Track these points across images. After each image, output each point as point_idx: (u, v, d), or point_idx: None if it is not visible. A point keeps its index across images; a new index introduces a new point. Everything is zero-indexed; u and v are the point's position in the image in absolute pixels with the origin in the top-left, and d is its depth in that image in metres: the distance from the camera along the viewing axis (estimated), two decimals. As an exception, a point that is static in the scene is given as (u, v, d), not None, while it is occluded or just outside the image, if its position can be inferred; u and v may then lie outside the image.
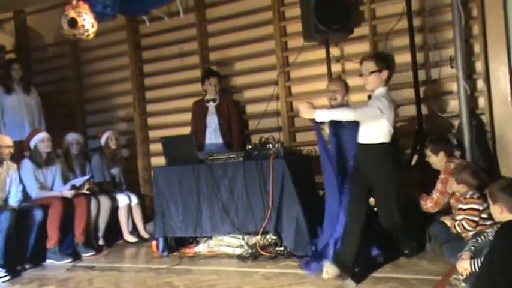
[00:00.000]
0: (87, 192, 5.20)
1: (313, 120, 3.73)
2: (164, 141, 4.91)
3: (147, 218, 5.63)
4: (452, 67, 4.71)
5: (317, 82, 5.48)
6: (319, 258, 3.84)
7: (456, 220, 3.69)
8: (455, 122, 4.83)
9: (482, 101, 4.84)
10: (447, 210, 4.03)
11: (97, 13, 5.29)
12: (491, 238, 2.97)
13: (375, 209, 3.98)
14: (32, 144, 5.22)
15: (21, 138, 5.68)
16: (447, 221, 3.84)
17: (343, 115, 3.70)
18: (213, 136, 5.55)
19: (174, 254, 4.72)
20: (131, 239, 5.48)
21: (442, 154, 4.17)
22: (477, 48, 4.83)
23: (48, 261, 4.87)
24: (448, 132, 4.87)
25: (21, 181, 5.02)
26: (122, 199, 5.54)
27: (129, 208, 5.55)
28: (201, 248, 4.68)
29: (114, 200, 5.48)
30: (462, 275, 3.00)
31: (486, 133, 4.72)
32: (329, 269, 3.56)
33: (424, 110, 4.97)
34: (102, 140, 5.78)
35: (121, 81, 6.78)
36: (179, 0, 5.96)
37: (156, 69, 6.56)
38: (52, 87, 7.11)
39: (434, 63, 5.02)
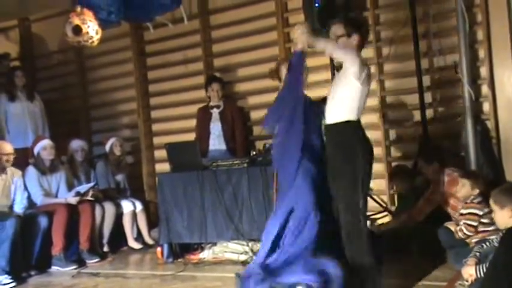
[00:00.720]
0: (91, 198, 5.21)
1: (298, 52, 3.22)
2: (168, 147, 4.92)
3: (151, 224, 5.62)
4: (456, 72, 4.70)
5: (321, 88, 5.46)
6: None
7: (458, 225, 3.68)
8: (460, 128, 4.82)
9: (487, 106, 4.83)
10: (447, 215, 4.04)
11: (101, 20, 5.31)
12: (496, 244, 2.96)
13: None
14: (35, 151, 5.23)
15: (25, 145, 5.69)
16: (451, 226, 3.83)
17: (333, 50, 3.16)
18: (216, 142, 5.56)
19: (179, 260, 4.72)
20: (136, 245, 5.47)
21: (435, 164, 4.15)
22: (482, 53, 4.82)
23: (53, 268, 4.88)
24: (453, 138, 4.86)
25: (26, 188, 5.04)
26: (127, 205, 5.54)
27: (134, 214, 5.56)
28: (206, 254, 4.67)
29: (118, 207, 5.49)
30: (467, 281, 2.99)
31: (491, 138, 4.71)
32: None
33: (429, 116, 4.96)
34: (107, 147, 5.80)
35: (125, 88, 6.80)
36: (183, 6, 5.98)
37: (160, 75, 6.57)
38: (57, 94, 7.14)
39: (439, 69, 5.01)
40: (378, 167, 5.36)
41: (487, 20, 4.71)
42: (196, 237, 4.65)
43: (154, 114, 6.69)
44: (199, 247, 4.79)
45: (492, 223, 3.33)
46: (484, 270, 2.85)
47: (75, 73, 7.10)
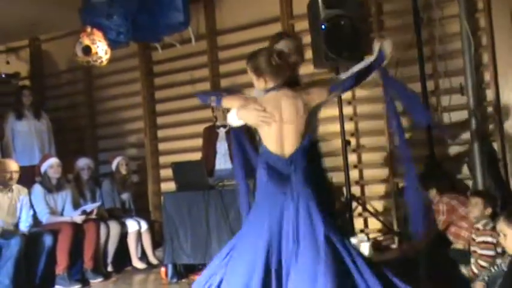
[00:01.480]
0: (96, 217, 5.21)
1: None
2: (174, 166, 4.93)
3: (156, 244, 5.60)
4: (462, 95, 4.71)
5: (327, 108, 5.48)
6: None
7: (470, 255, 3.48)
8: (467, 149, 4.81)
9: (493, 128, 4.83)
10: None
11: (111, 40, 5.38)
12: (504, 269, 2.92)
13: None
14: (42, 169, 5.25)
15: (31, 163, 5.72)
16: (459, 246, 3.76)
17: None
18: (222, 162, 5.55)
19: (183, 280, 4.68)
20: (140, 265, 5.45)
21: (434, 191, 4.05)
22: (487, 76, 4.84)
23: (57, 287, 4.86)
24: (460, 160, 4.85)
25: (31, 206, 5.05)
26: (132, 225, 5.53)
27: (139, 234, 5.54)
28: (210, 274, 4.63)
29: (123, 226, 5.47)
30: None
31: (498, 160, 4.69)
32: None
33: (436, 138, 4.96)
34: (113, 165, 5.81)
35: (133, 107, 6.84)
36: (191, 27, 6.05)
37: (167, 95, 6.62)
38: (65, 113, 7.19)
39: (445, 91, 5.02)
40: (383, 187, 5.36)
41: (492, 43, 4.74)
42: (200, 258, 4.62)
43: (160, 133, 6.72)
44: (204, 267, 4.75)
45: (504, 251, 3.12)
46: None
47: (83, 92, 7.17)
